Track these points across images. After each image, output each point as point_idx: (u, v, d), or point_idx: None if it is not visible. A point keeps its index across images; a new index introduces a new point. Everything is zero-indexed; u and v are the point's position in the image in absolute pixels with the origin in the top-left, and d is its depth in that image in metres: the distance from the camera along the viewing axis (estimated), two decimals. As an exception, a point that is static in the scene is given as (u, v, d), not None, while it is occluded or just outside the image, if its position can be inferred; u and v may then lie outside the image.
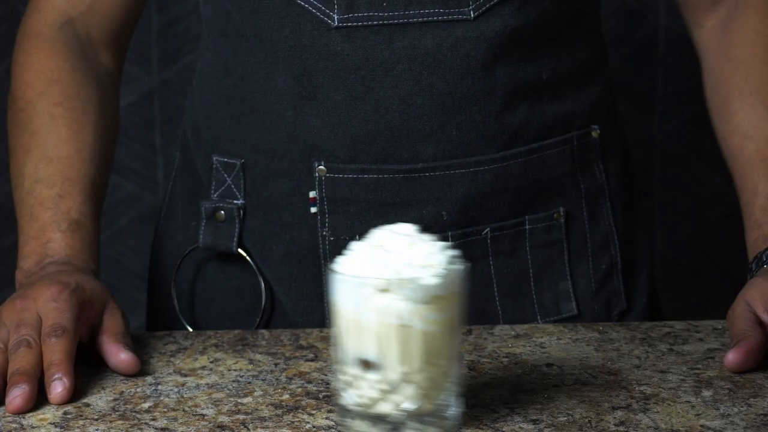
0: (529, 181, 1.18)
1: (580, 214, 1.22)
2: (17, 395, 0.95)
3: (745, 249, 1.16)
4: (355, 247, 0.91)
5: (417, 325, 0.87)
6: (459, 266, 0.90)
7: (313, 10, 1.13)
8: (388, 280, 0.87)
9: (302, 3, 1.14)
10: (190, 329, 1.24)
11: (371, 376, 0.88)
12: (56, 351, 0.99)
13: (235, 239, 1.21)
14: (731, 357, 1.01)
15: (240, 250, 1.21)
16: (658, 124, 2.27)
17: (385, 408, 0.88)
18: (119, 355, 1.02)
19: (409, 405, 0.88)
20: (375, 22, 1.13)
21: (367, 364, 0.88)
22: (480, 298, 1.18)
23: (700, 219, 2.30)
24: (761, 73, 1.21)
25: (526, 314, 1.20)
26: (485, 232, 1.18)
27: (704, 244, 2.31)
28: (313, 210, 1.17)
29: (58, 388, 0.96)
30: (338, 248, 1.14)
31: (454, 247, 1.12)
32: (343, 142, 1.15)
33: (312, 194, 1.17)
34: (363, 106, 1.14)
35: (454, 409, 0.91)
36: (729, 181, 1.23)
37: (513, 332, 1.12)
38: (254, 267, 1.21)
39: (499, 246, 1.18)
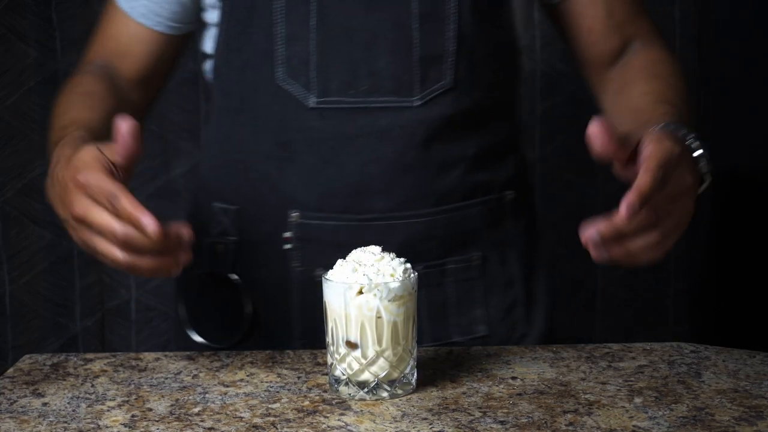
0: (452, 232, 1.19)
1: (492, 259, 1.23)
2: None
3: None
4: (339, 262, 1.00)
5: (385, 316, 0.98)
6: (412, 274, 1.00)
7: (296, 95, 1.15)
8: (365, 284, 0.97)
9: (287, 88, 1.15)
10: (193, 336, 1.22)
11: (354, 353, 0.98)
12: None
13: (230, 267, 1.21)
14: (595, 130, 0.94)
15: (234, 275, 1.21)
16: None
17: (365, 376, 0.98)
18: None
19: (381, 373, 0.98)
20: (343, 105, 1.15)
21: (351, 345, 0.98)
22: None
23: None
24: (652, 70, 1.20)
25: (446, 333, 1.21)
26: (419, 268, 1.18)
27: (635, 283, 2.30)
28: (287, 247, 1.18)
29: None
30: (305, 277, 1.19)
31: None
32: (314, 196, 1.17)
33: (287, 235, 1.18)
34: (330, 169, 1.16)
35: (413, 377, 1.01)
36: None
37: (485, 352, 1.12)
38: (244, 289, 1.21)
39: (429, 280, 1.19)
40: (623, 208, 0.92)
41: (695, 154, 1.01)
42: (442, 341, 1.19)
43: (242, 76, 1.18)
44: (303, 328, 1.21)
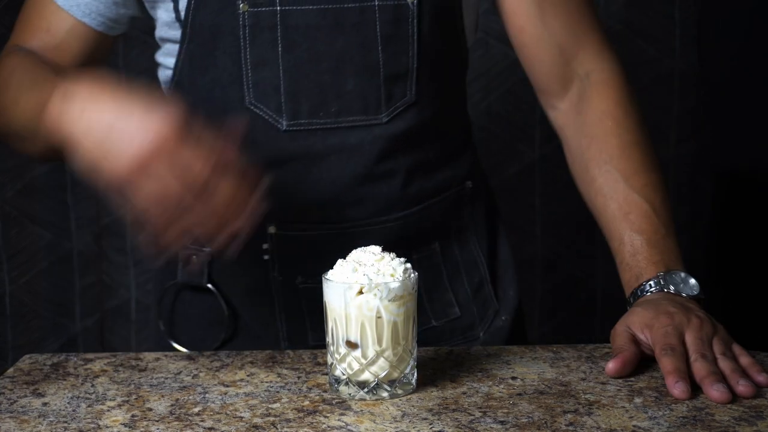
0: (418, 230, 1.23)
1: (452, 245, 1.27)
2: None
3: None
4: (340, 262, 1.00)
5: (385, 316, 0.97)
6: (412, 274, 0.99)
7: (267, 117, 1.17)
8: (365, 284, 0.97)
9: (258, 112, 1.17)
10: (173, 344, 1.25)
11: (355, 353, 0.98)
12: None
13: (205, 277, 1.23)
14: (611, 366, 1.03)
15: (209, 285, 1.23)
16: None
17: (365, 376, 0.98)
18: None
19: (382, 373, 0.98)
20: (313, 127, 1.17)
21: (351, 344, 0.98)
22: None
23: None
24: (611, 146, 1.20)
25: (423, 318, 1.23)
26: None
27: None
28: (266, 257, 1.20)
29: None
30: (285, 285, 1.21)
31: None
32: (289, 210, 1.19)
33: (265, 246, 1.20)
34: (304, 185, 1.18)
35: (413, 377, 1.00)
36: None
37: (485, 352, 1.12)
38: (220, 297, 1.23)
39: None
40: (675, 392, 0.98)
41: (672, 288, 1.11)
42: (421, 326, 1.20)
43: (209, 95, 1.18)
44: (289, 333, 1.23)
